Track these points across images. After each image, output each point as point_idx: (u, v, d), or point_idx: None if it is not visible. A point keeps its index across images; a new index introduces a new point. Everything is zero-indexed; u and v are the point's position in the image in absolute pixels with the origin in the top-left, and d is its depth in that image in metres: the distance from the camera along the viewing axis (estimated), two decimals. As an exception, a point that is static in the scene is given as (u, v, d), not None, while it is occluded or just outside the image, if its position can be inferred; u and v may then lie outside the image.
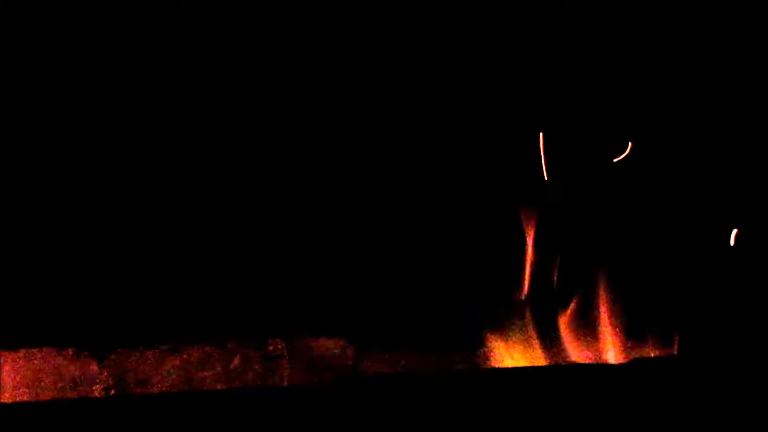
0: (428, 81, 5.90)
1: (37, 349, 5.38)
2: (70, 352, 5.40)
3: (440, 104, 5.90)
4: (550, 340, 5.56)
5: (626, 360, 5.31)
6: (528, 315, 5.59)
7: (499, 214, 5.83)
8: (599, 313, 5.60)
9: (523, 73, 5.91)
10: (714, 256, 5.77)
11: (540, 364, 5.43)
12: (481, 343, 5.51)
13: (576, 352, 5.53)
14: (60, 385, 5.37)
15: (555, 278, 5.71)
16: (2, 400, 5.22)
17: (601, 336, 5.56)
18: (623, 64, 5.90)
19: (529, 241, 5.71)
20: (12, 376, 5.32)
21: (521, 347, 5.53)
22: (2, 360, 5.33)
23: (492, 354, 5.50)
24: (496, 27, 5.88)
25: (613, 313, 5.60)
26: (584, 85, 5.90)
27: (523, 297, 5.66)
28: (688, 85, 5.89)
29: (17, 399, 5.28)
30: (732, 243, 5.59)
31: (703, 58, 5.87)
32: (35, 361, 5.36)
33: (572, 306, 5.61)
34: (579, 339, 5.54)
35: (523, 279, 5.70)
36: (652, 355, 5.40)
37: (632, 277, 5.69)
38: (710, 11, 5.83)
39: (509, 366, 5.46)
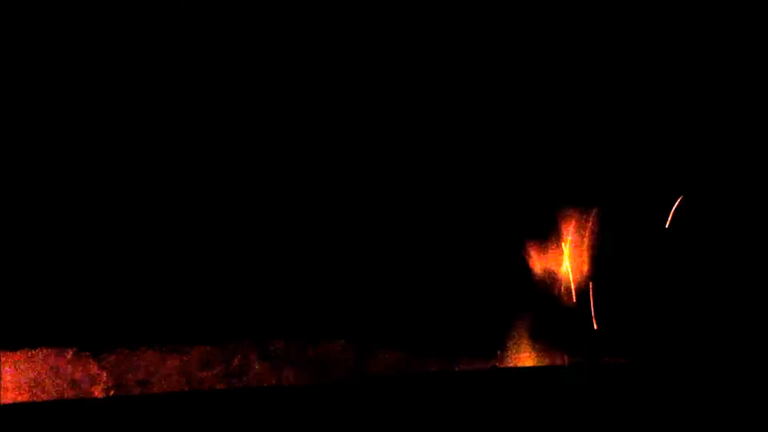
0: (428, 81, 5.89)
1: (37, 350, 5.38)
2: (71, 353, 5.40)
3: (441, 104, 5.90)
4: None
5: (626, 360, 5.31)
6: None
7: (498, 216, 5.83)
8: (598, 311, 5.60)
9: (523, 72, 5.91)
10: (714, 258, 5.77)
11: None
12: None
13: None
14: (60, 385, 5.37)
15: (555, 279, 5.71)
16: (3, 401, 5.22)
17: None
18: (622, 63, 5.89)
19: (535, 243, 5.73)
20: (13, 376, 5.32)
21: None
22: (3, 360, 5.33)
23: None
24: (496, 27, 5.87)
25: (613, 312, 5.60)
26: (584, 84, 5.89)
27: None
28: (687, 85, 5.88)
29: (18, 399, 5.28)
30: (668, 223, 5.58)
31: (702, 58, 5.87)
32: (36, 362, 5.36)
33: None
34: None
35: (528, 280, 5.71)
36: (651, 355, 5.39)
37: (632, 279, 5.70)
38: (710, 11, 5.82)
39: (509, 366, 5.46)
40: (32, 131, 5.73)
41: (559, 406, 4.63)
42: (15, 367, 5.34)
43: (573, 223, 5.77)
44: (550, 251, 5.75)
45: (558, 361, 5.42)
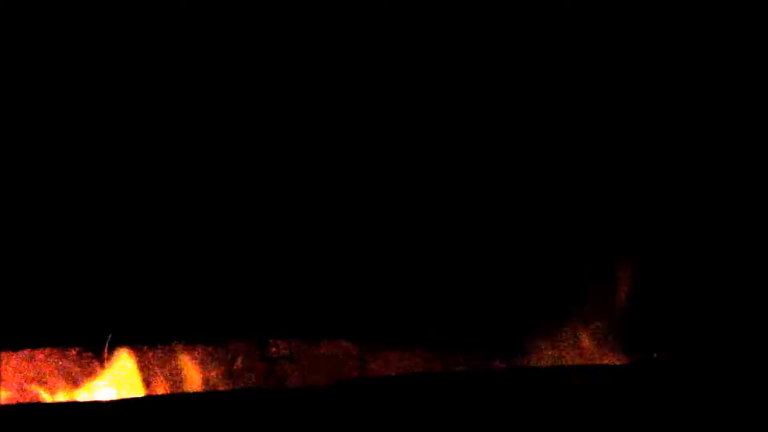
0: (428, 81, 5.90)
1: (39, 350, 5.39)
2: (73, 353, 5.41)
3: (440, 104, 5.91)
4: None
5: (626, 360, 5.32)
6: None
7: (497, 216, 5.85)
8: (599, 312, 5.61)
9: (523, 72, 5.93)
10: (713, 254, 5.79)
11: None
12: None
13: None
14: (63, 385, 5.37)
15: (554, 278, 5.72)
16: (5, 402, 5.23)
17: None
18: (623, 64, 5.91)
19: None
20: (15, 376, 5.33)
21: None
22: (4, 360, 5.34)
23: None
24: (497, 27, 5.88)
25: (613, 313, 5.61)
26: (584, 84, 5.91)
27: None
28: (687, 85, 5.90)
29: (20, 400, 5.28)
30: None
31: (702, 59, 5.88)
32: (38, 362, 5.37)
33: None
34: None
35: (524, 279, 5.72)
36: (653, 355, 5.41)
37: (632, 277, 5.71)
38: (710, 11, 5.84)
39: (508, 367, 5.47)
40: (32, 131, 5.73)
41: (559, 406, 4.65)
42: (16, 366, 5.35)
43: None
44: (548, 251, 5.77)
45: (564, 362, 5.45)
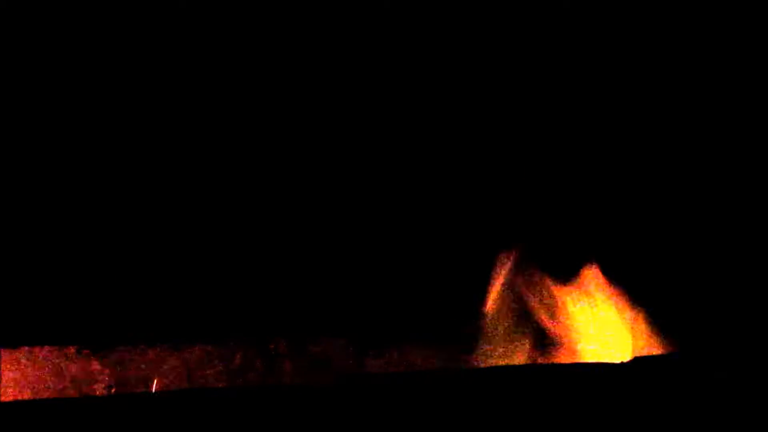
0: (428, 81, 5.91)
1: (38, 348, 5.39)
2: (72, 351, 5.41)
3: (440, 104, 5.92)
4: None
5: (626, 359, 5.32)
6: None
7: (497, 214, 5.85)
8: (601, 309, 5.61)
9: (523, 72, 5.93)
10: (715, 254, 5.79)
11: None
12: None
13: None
14: (61, 383, 5.37)
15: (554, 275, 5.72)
16: (4, 399, 5.23)
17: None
18: (623, 64, 5.91)
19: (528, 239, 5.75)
20: (13, 374, 5.33)
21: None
22: (3, 358, 5.34)
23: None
24: (496, 27, 5.89)
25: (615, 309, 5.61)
26: (584, 84, 5.91)
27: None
28: (687, 85, 5.91)
29: (19, 398, 5.28)
30: None
31: (702, 59, 5.89)
32: (37, 360, 5.37)
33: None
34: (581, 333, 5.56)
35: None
36: (653, 353, 5.41)
37: (633, 276, 5.71)
38: (710, 11, 5.85)
39: (509, 365, 5.47)
40: (32, 131, 5.74)
41: (559, 405, 4.64)
42: (15, 365, 5.35)
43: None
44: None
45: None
